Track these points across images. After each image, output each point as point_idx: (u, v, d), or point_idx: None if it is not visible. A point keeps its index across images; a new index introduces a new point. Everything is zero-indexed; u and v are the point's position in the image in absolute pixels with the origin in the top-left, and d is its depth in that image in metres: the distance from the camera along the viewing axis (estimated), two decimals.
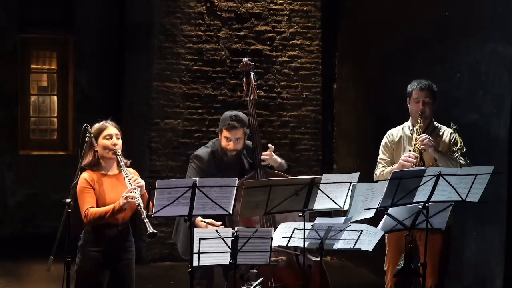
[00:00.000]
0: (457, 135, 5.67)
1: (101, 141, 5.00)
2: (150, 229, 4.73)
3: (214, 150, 5.79)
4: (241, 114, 5.80)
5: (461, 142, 5.63)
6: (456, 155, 5.61)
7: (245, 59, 6.17)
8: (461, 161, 5.57)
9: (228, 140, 5.70)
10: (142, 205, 4.80)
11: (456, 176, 4.90)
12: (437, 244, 5.54)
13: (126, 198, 4.83)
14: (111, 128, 5.06)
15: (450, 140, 5.69)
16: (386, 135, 5.91)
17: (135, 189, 4.86)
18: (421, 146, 5.53)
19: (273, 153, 5.84)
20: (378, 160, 5.91)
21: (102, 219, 4.89)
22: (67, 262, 4.77)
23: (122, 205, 4.84)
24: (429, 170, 4.89)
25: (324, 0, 9.48)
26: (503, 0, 6.40)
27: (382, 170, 5.76)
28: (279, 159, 5.89)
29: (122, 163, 4.95)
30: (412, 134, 5.72)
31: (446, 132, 5.75)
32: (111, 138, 5.02)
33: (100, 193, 4.97)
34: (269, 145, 5.87)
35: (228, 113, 5.81)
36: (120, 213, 4.89)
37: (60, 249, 4.75)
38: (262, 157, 5.78)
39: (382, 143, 5.90)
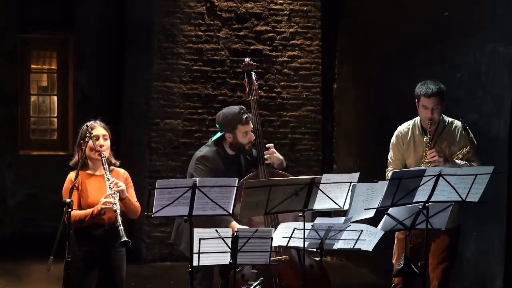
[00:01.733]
0: (466, 132, 5.63)
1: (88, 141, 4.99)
2: (124, 238, 4.74)
3: (215, 149, 5.78)
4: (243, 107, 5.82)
5: (470, 143, 5.61)
6: (467, 157, 5.61)
7: (247, 59, 6.17)
8: (474, 164, 5.56)
9: (247, 134, 5.70)
10: (118, 211, 4.81)
11: (456, 176, 4.90)
12: (445, 244, 5.55)
13: (104, 203, 4.85)
14: (98, 129, 5.05)
15: (462, 136, 5.66)
16: (396, 133, 5.84)
17: (114, 193, 4.86)
18: (431, 165, 5.49)
19: (275, 150, 5.84)
20: (389, 159, 5.86)
21: (82, 222, 4.91)
22: (67, 262, 4.77)
23: (99, 210, 4.86)
24: (429, 170, 4.89)
25: (324, 0, 9.48)
26: (503, 0, 6.40)
27: None
28: (280, 157, 5.90)
29: (105, 166, 4.93)
30: (421, 135, 5.71)
31: (457, 129, 5.71)
32: (98, 139, 5.01)
33: (85, 193, 4.98)
34: (268, 145, 5.87)
35: (233, 109, 5.78)
36: (99, 217, 4.91)
37: (60, 249, 4.74)
38: (265, 156, 5.79)
39: (392, 141, 5.84)
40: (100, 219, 4.96)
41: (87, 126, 4.99)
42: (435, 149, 5.56)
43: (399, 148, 5.80)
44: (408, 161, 5.76)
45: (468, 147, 5.59)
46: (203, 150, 5.80)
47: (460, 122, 5.67)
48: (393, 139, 5.86)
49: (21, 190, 10.24)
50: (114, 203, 4.82)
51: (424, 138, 5.62)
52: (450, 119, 5.77)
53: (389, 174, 5.77)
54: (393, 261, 5.89)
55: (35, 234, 9.80)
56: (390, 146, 5.86)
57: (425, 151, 5.59)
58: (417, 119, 5.80)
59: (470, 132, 5.61)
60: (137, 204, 5.11)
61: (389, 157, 5.87)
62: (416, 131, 5.76)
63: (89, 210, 4.90)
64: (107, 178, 4.91)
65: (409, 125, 5.82)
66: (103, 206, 4.84)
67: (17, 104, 10.29)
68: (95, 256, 4.99)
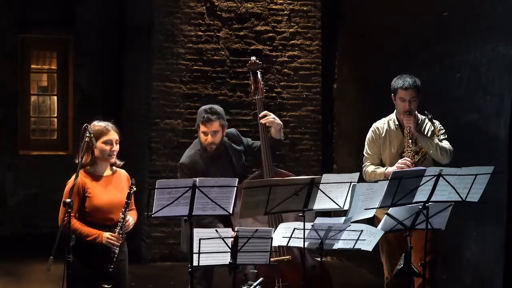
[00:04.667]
0: (434, 124, 5.80)
1: (100, 144, 4.99)
2: (106, 285, 4.87)
3: (198, 149, 5.76)
4: (216, 106, 5.75)
5: (437, 134, 5.78)
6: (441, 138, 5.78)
7: (253, 58, 6.15)
8: (444, 144, 5.72)
9: (205, 134, 5.66)
10: (116, 255, 4.91)
11: (456, 176, 4.90)
12: (424, 239, 5.56)
13: (107, 242, 4.91)
14: (112, 134, 5.04)
15: (432, 127, 5.81)
16: (372, 128, 5.97)
17: (123, 234, 4.92)
18: (407, 124, 5.70)
19: (272, 115, 5.83)
20: (364, 154, 5.97)
21: (80, 236, 4.93)
22: (67, 262, 4.77)
23: (102, 242, 4.91)
24: (429, 170, 4.90)
25: (324, 0, 9.48)
26: (503, 0, 6.40)
27: (374, 170, 5.80)
28: (279, 121, 5.88)
29: (129, 201, 4.96)
30: (396, 129, 5.83)
31: (428, 125, 5.87)
32: (111, 144, 5.02)
33: (92, 197, 4.97)
34: (261, 114, 5.86)
35: (203, 107, 5.78)
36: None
37: (60, 249, 4.74)
38: (263, 121, 5.79)
39: (368, 137, 5.97)
40: (107, 219, 4.98)
41: (87, 125, 4.98)
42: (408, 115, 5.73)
43: (375, 142, 5.92)
44: (384, 156, 5.87)
45: (434, 136, 5.76)
46: (183, 156, 5.81)
47: (426, 117, 5.86)
48: (369, 134, 5.98)
49: (21, 190, 10.24)
50: (116, 247, 4.91)
51: (405, 130, 5.73)
52: (423, 116, 5.91)
53: (367, 169, 5.88)
54: (382, 259, 5.94)
55: (35, 234, 9.80)
56: (366, 142, 5.99)
57: (406, 140, 5.71)
58: (393, 115, 5.94)
59: (438, 124, 5.81)
60: (135, 212, 5.15)
61: (364, 153, 5.98)
62: (392, 126, 5.89)
63: (92, 232, 4.91)
64: (123, 216, 4.94)
65: (385, 120, 5.97)
66: (106, 244, 4.91)
67: (17, 104, 10.29)
68: (102, 256, 4.95)
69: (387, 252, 5.86)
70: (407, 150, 5.69)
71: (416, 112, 5.86)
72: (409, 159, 5.63)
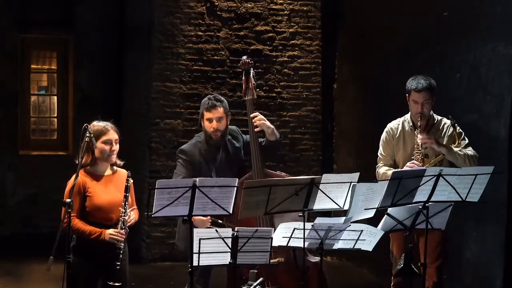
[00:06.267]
0: (456, 129, 5.72)
1: (100, 144, 4.99)
2: (116, 283, 4.88)
3: (199, 141, 5.78)
4: (219, 95, 5.84)
5: (458, 139, 5.71)
6: (463, 145, 5.68)
7: (244, 57, 6.10)
8: (469, 152, 5.61)
9: (210, 121, 5.67)
10: (122, 251, 4.92)
11: (456, 176, 4.90)
12: (435, 242, 5.55)
13: (111, 238, 4.91)
14: (111, 133, 5.04)
15: (453, 131, 5.73)
16: (386, 129, 5.93)
17: (124, 231, 4.91)
18: (424, 145, 5.57)
19: (263, 117, 5.81)
20: (379, 155, 5.93)
21: (83, 235, 4.93)
22: (67, 262, 4.77)
23: (105, 239, 4.91)
24: (429, 170, 4.89)
25: (324, 0, 9.48)
26: (503, 0, 6.40)
27: (385, 171, 5.76)
28: (270, 125, 5.85)
29: (127, 194, 4.96)
30: (411, 130, 5.78)
31: (446, 127, 5.80)
32: (111, 143, 5.02)
33: (92, 196, 4.97)
34: (253, 114, 5.83)
35: (206, 96, 5.83)
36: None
37: (60, 249, 4.74)
38: (255, 123, 5.77)
39: (382, 137, 5.93)
40: (107, 219, 4.98)
41: (87, 125, 4.98)
42: (425, 133, 5.63)
43: (389, 143, 5.88)
44: (397, 157, 5.84)
45: (456, 143, 5.67)
46: (184, 145, 5.84)
47: (449, 120, 5.76)
48: (383, 135, 5.95)
49: (21, 190, 10.24)
50: (122, 244, 4.91)
51: (416, 131, 5.67)
52: (440, 117, 5.85)
53: (379, 170, 5.86)
54: (392, 260, 5.93)
55: (35, 234, 9.80)
56: (380, 142, 5.96)
57: (416, 143, 5.65)
58: (407, 115, 5.88)
59: (458, 128, 5.71)
60: (136, 211, 5.16)
61: (379, 153, 5.95)
62: (406, 127, 5.85)
63: (95, 230, 4.92)
64: (124, 210, 4.94)
65: (399, 121, 5.92)
66: (109, 240, 4.91)
67: (17, 104, 10.29)
68: (103, 256, 4.96)
69: (397, 253, 5.83)
70: (416, 153, 5.64)
71: (432, 112, 5.80)
72: (417, 162, 5.59)
